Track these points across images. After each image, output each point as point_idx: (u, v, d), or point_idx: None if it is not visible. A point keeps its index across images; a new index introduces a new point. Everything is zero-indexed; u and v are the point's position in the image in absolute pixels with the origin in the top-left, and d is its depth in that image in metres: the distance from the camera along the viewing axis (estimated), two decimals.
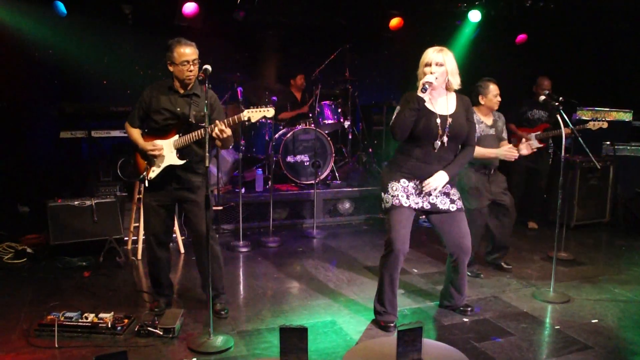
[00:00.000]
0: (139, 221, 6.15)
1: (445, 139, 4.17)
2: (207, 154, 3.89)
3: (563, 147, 5.04)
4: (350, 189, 7.85)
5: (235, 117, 4.19)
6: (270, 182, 7.01)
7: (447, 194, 4.31)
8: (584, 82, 8.49)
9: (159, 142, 4.37)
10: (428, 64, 4.10)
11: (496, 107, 5.43)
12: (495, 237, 5.72)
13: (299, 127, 7.72)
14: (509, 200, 5.59)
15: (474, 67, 8.74)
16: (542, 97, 5.18)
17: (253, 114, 4.22)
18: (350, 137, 8.52)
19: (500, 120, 5.54)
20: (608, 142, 7.99)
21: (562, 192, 5.16)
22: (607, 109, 8.26)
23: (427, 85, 3.99)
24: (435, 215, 4.33)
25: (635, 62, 8.30)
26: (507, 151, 5.16)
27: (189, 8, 7.78)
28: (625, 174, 7.94)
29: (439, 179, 4.18)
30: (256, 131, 8.05)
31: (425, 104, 4.12)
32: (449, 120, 4.17)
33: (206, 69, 4.07)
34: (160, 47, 8.22)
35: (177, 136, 4.36)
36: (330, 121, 7.90)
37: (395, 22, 8.93)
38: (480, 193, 5.40)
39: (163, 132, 4.37)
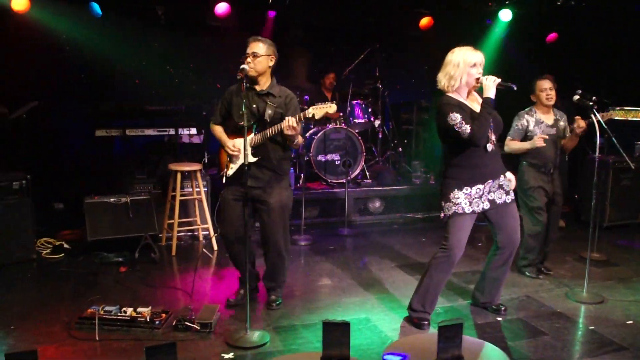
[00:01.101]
0: (172, 218, 6.24)
1: (493, 137, 4.20)
2: (246, 152, 3.96)
3: (597, 146, 5.03)
4: (380, 188, 7.88)
5: (301, 114, 4.31)
6: (302, 181, 7.07)
7: (501, 187, 4.30)
8: (616, 81, 8.41)
9: (238, 140, 4.47)
10: (474, 65, 4.10)
11: (547, 103, 5.40)
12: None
13: (330, 126, 7.77)
14: (560, 202, 5.62)
15: (505, 66, 8.75)
16: (576, 97, 5.16)
17: (317, 111, 4.32)
18: (380, 136, 8.54)
19: (562, 119, 5.50)
20: None
21: (596, 192, 5.13)
22: (627, 109, 8.15)
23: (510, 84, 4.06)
24: (492, 210, 4.32)
25: None
26: (536, 139, 5.21)
27: (221, 8, 7.87)
28: None
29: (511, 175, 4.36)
30: None
31: (470, 106, 4.15)
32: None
33: (243, 68, 4.21)
34: (192, 46, 8.41)
35: (252, 134, 4.47)
36: (360, 120, 7.94)
37: (425, 21, 8.93)
38: (541, 191, 5.44)
39: (239, 131, 4.44)
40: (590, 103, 4.94)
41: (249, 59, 4.36)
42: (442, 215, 4.26)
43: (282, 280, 4.87)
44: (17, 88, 7.08)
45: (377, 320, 4.49)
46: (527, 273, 5.64)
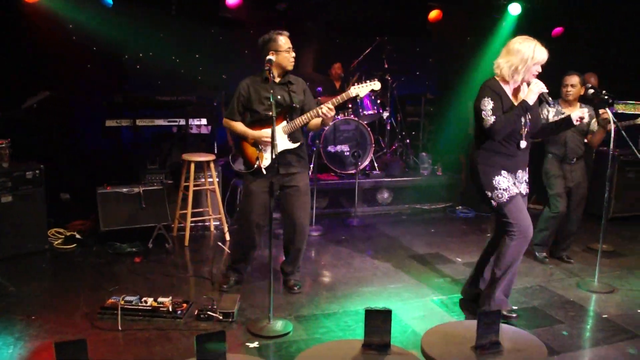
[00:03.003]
0: (185, 208, 6.27)
1: (526, 131, 4.19)
2: (274, 142, 4.01)
3: (612, 140, 5.09)
4: (389, 179, 7.92)
5: (344, 94, 4.46)
6: (311, 172, 7.10)
7: (525, 180, 4.35)
8: (622, 76, 8.45)
9: (268, 130, 4.49)
10: (539, 63, 4.06)
11: (566, 98, 5.52)
12: (560, 227, 5.79)
13: (340, 117, 7.79)
14: (582, 192, 5.73)
15: None
16: (591, 91, 5.21)
17: (361, 90, 4.48)
18: (388, 128, 8.58)
19: (587, 114, 5.57)
20: None
21: (610, 184, 5.21)
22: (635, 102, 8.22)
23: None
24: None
25: None
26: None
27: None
28: None
29: None
30: None
31: (511, 98, 4.16)
32: (528, 115, 4.17)
33: (270, 59, 4.28)
34: (203, 37, 8.44)
35: (284, 122, 4.58)
36: (370, 112, 7.96)
37: (434, 14, 8.94)
38: (560, 179, 5.62)
39: (266, 122, 4.51)
40: (606, 97, 4.99)
41: (293, 53, 4.56)
42: (494, 204, 4.20)
43: (300, 265, 5.06)
44: (28, 78, 7.06)
45: (396, 309, 4.52)
46: (536, 253, 5.85)
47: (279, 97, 4.54)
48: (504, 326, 2.82)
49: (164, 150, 7.11)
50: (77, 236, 6.20)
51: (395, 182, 7.97)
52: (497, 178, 4.16)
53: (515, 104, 4.12)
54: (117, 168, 7.24)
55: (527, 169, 4.35)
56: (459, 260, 5.89)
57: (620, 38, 8.58)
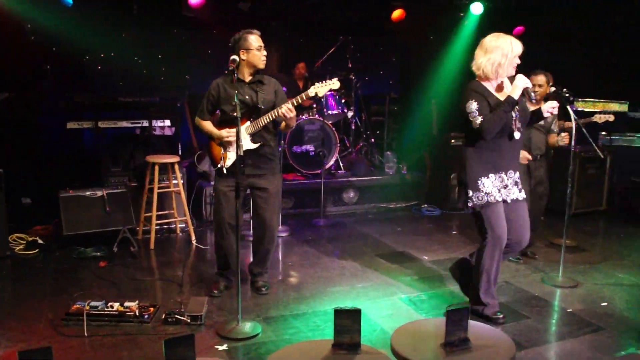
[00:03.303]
0: (150, 211, 6.19)
1: (519, 124, 4.18)
2: (240, 142, 3.98)
3: (573, 138, 5.20)
4: (355, 179, 7.95)
5: (303, 94, 4.46)
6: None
7: (517, 183, 4.30)
8: (579, 74, 8.63)
9: (232, 130, 4.49)
10: (517, 55, 4.11)
11: (536, 97, 5.38)
12: None
13: (304, 117, 7.79)
14: (542, 190, 5.81)
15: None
16: (553, 89, 5.29)
17: (320, 89, 4.48)
18: (353, 127, 8.61)
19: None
20: (604, 133, 8.17)
21: (571, 180, 5.31)
22: (603, 100, 8.42)
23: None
24: (505, 205, 4.26)
25: (630, 54, 8.45)
26: None
27: None
28: (621, 164, 8.13)
29: None
30: None
31: (496, 94, 4.16)
32: (517, 107, 4.15)
33: (234, 59, 4.27)
34: (166, 37, 8.34)
35: (248, 122, 4.56)
36: (334, 112, 7.97)
37: (397, 13, 8.97)
38: (525, 176, 5.50)
39: (234, 121, 4.45)
40: (567, 95, 5.07)
41: (264, 52, 4.58)
42: (470, 204, 4.19)
43: (268, 266, 5.05)
44: None
45: (364, 309, 4.49)
46: (510, 257, 5.80)
47: (247, 97, 4.54)
48: (472, 323, 2.85)
49: (127, 152, 6.99)
50: (40, 241, 6.07)
51: (361, 182, 8.00)
52: (482, 180, 4.15)
53: (501, 99, 4.11)
54: (80, 171, 7.10)
55: (518, 168, 4.32)
56: (426, 258, 5.94)
57: (613, 38, 8.74)
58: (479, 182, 4.15)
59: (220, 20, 8.05)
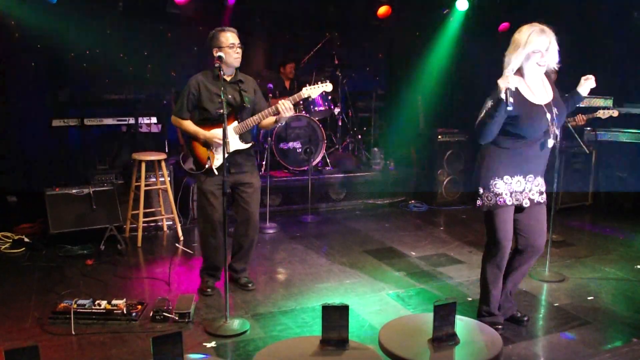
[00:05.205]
0: (137, 208, 6.16)
1: (557, 131, 3.83)
2: (227, 140, 3.98)
3: (559, 133, 5.21)
4: (342, 175, 7.95)
5: (296, 95, 4.49)
6: (263, 169, 7.10)
7: (540, 191, 4.02)
8: (564, 69, 8.67)
9: (219, 131, 4.44)
10: (536, 51, 3.66)
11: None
12: None
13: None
14: None
15: (461, 56, 8.92)
16: None
17: (312, 91, 4.53)
18: (339, 123, 8.61)
19: None
20: (589, 128, 8.22)
21: (558, 176, 5.35)
22: (588, 96, 8.45)
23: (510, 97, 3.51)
24: (520, 209, 4.01)
25: (615, 50, 8.50)
26: None
27: None
28: (606, 159, 8.19)
29: None
30: None
31: (524, 94, 3.75)
32: (554, 109, 3.81)
33: (220, 56, 4.24)
34: (151, 34, 8.30)
35: (236, 122, 4.55)
36: (321, 108, 7.97)
37: (383, 10, 8.98)
38: None
39: (217, 120, 4.47)
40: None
41: (238, 49, 4.49)
42: (479, 203, 3.94)
43: (250, 261, 5.07)
44: None
45: (352, 305, 4.52)
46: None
47: (230, 96, 4.51)
48: (459, 318, 2.86)
49: (113, 149, 6.98)
50: (26, 240, 6.02)
51: (348, 178, 8.00)
52: (496, 180, 3.87)
53: (532, 100, 3.77)
54: (66, 169, 7.08)
55: (542, 174, 4.01)
56: (413, 254, 5.96)
57: (597, 33, 8.78)
58: (492, 181, 3.87)
59: (205, 16, 8.02)
